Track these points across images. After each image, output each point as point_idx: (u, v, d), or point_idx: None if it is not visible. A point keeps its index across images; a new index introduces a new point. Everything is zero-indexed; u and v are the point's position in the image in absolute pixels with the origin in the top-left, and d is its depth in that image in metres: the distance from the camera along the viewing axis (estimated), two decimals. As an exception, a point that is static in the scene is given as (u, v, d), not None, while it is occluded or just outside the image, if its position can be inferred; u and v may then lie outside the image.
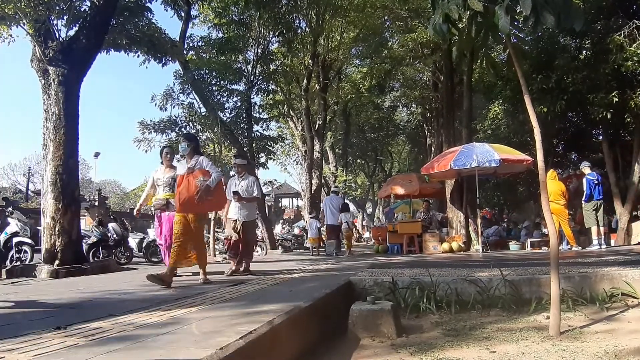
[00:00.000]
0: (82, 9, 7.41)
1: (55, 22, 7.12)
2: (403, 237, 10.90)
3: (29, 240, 8.23)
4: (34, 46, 7.02)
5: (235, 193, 5.81)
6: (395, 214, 15.35)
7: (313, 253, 11.35)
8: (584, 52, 10.84)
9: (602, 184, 9.02)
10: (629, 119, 9.89)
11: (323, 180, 20.72)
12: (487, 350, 2.57)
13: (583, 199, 8.89)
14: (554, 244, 3.04)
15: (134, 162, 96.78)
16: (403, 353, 2.63)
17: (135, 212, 6.48)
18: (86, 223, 12.66)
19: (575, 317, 3.29)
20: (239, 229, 5.82)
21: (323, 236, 12.34)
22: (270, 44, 15.09)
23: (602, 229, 8.79)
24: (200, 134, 14.24)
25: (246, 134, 14.05)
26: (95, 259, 8.76)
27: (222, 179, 4.84)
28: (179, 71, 13.37)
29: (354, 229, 14.51)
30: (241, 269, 5.84)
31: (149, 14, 9.33)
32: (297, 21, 15.84)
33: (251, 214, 6.04)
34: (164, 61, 10.21)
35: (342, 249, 11.01)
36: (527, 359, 2.42)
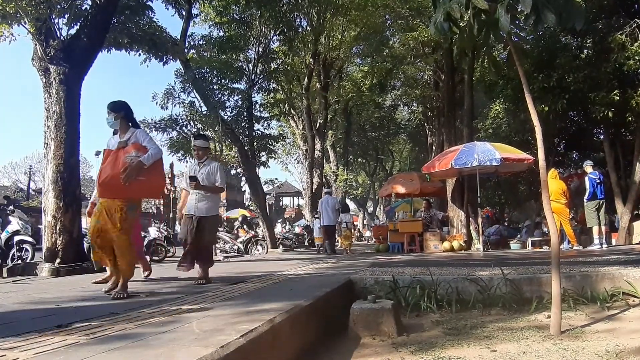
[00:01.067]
0: (83, 8, 7.44)
1: (56, 20, 7.13)
2: (404, 236, 10.91)
3: (30, 239, 8.23)
4: (35, 45, 7.03)
5: (193, 179, 4.64)
6: (396, 213, 15.37)
7: (319, 252, 11.48)
8: (586, 51, 10.83)
9: (603, 183, 9.01)
10: (630, 118, 9.87)
11: (324, 179, 20.73)
12: (488, 349, 2.56)
13: (585, 197, 8.88)
14: (555, 243, 3.03)
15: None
16: (404, 352, 2.63)
17: None
18: (87, 222, 12.67)
19: (576, 316, 3.29)
20: (194, 226, 4.63)
21: None
22: (271, 43, 15.10)
23: (603, 228, 8.78)
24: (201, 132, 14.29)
25: (247, 133, 14.06)
26: (96, 257, 8.77)
27: (162, 158, 3.78)
28: (180, 70, 13.42)
29: (353, 229, 14.53)
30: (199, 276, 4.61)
31: (150, 13, 9.39)
32: (298, 20, 15.86)
33: (213, 207, 4.82)
34: (165, 60, 10.25)
35: (337, 247, 11.06)
36: (528, 358, 2.41)
